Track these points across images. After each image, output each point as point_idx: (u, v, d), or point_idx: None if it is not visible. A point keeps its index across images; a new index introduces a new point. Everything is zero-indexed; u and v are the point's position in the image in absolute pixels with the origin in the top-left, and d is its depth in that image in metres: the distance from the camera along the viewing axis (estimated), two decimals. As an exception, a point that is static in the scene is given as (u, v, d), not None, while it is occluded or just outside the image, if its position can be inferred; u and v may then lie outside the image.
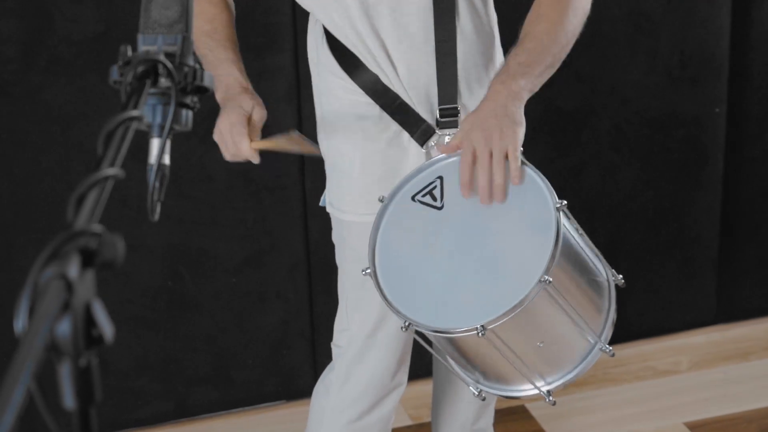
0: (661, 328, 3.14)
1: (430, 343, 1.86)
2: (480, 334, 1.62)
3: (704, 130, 2.99)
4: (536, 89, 1.79)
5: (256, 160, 1.81)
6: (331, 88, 1.93)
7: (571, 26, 1.81)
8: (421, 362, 2.26)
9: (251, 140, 1.80)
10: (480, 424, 2.34)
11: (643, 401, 2.87)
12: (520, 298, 1.62)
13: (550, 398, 1.79)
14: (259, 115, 1.82)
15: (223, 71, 1.88)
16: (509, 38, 1.85)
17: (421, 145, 1.90)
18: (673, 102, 2.95)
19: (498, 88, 1.76)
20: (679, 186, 3.03)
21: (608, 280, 1.84)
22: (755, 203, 3.11)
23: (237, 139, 1.79)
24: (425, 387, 2.80)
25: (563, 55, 1.82)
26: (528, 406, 2.83)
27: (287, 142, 1.87)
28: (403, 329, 1.69)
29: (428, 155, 1.90)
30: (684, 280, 3.12)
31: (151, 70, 1.08)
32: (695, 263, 3.11)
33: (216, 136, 1.84)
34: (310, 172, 2.71)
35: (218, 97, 1.86)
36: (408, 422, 2.82)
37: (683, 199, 3.04)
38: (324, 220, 2.10)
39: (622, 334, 3.07)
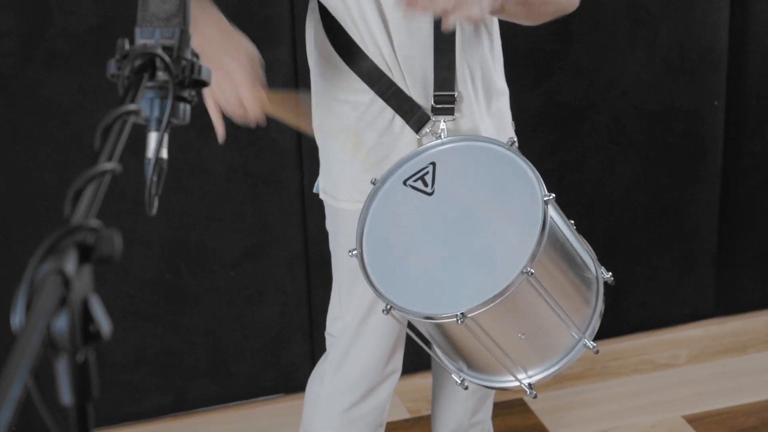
0: (659, 321, 3.14)
1: (416, 330, 1.86)
2: (459, 321, 1.62)
3: (703, 123, 2.98)
4: (514, 11, 1.74)
5: (261, 120, 1.77)
6: (326, 75, 1.93)
7: None
8: (418, 356, 2.25)
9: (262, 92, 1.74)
10: (478, 417, 2.34)
11: (641, 394, 2.87)
12: (502, 288, 1.63)
13: (532, 391, 1.79)
14: (258, 57, 1.77)
15: (201, 21, 1.71)
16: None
17: (416, 131, 1.89)
18: (672, 95, 2.95)
19: None
20: (678, 179, 3.02)
21: (597, 277, 1.84)
22: (754, 196, 3.11)
23: (242, 89, 1.73)
24: (423, 380, 2.80)
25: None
26: (526, 399, 2.83)
27: (292, 110, 1.85)
28: (385, 312, 1.70)
29: (422, 142, 1.89)
30: (683, 273, 3.11)
31: (148, 64, 1.08)
32: (694, 256, 3.11)
33: (212, 89, 1.73)
34: (308, 166, 2.71)
35: (195, 42, 1.68)
36: (406, 415, 2.82)
37: (682, 192, 3.04)
38: (322, 213, 2.10)
39: (620, 328, 3.07)
